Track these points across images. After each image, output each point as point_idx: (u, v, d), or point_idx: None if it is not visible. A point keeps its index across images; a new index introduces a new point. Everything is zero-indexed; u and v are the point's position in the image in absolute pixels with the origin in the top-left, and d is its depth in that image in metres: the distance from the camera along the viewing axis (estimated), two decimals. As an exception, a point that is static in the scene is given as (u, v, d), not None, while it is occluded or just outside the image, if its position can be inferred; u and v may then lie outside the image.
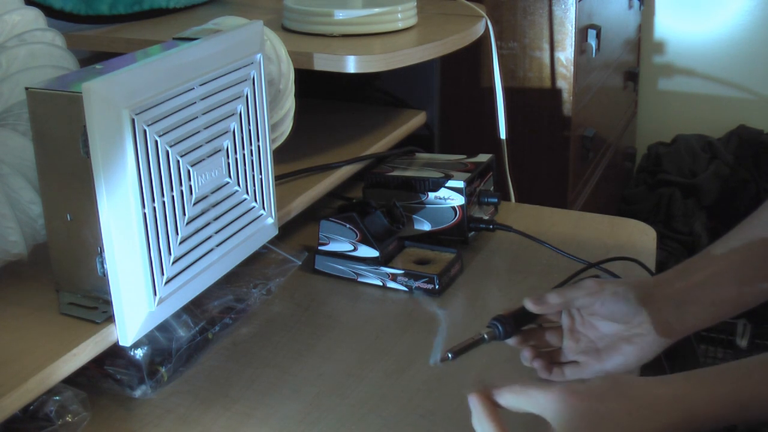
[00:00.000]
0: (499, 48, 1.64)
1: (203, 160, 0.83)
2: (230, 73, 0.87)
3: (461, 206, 1.11)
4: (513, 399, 0.67)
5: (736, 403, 0.65)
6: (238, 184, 0.90)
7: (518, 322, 0.82)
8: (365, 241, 1.05)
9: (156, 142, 0.76)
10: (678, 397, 0.65)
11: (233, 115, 0.88)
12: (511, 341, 0.83)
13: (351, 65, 1.10)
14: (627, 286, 0.80)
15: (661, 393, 0.65)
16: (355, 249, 1.05)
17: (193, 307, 0.90)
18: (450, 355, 0.76)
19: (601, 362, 0.81)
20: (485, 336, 0.79)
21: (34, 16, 0.92)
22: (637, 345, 0.79)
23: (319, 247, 1.08)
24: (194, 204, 0.83)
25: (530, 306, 0.81)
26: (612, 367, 0.80)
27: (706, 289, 0.78)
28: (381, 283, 1.05)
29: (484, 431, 0.67)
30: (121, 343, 0.79)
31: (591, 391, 0.65)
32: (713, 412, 0.65)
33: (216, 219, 0.87)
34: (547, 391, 0.66)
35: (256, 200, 0.94)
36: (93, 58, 1.19)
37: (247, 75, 0.89)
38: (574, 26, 1.62)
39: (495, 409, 0.67)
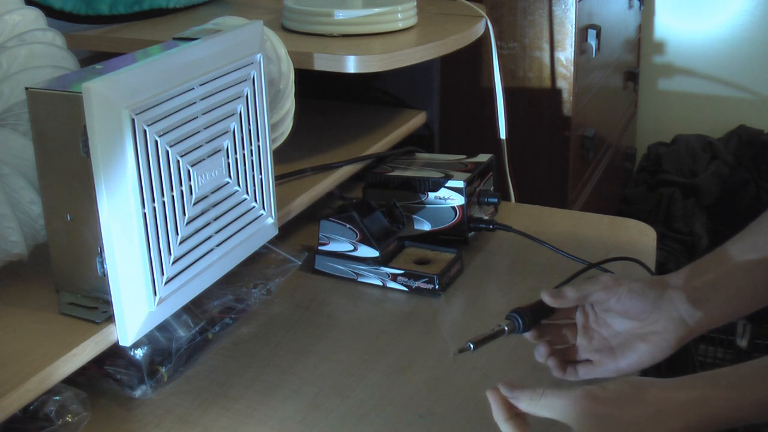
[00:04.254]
0: (499, 48, 1.64)
1: (203, 160, 0.83)
2: (230, 73, 0.86)
3: (461, 206, 1.11)
4: (531, 405, 0.68)
5: (758, 404, 0.65)
6: (238, 184, 0.90)
7: (535, 316, 0.82)
8: (365, 241, 1.05)
9: (156, 142, 0.76)
10: (700, 401, 0.65)
11: (233, 115, 0.88)
12: (528, 335, 0.83)
13: (351, 65, 1.10)
14: (643, 283, 0.80)
15: (682, 397, 0.66)
16: (355, 249, 1.05)
17: (193, 307, 0.90)
18: (471, 346, 0.76)
19: (615, 361, 0.81)
20: (505, 328, 0.79)
21: (34, 16, 0.92)
22: (651, 343, 0.79)
23: (319, 247, 1.08)
24: (194, 204, 0.83)
25: (547, 299, 0.81)
26: (626, 365, 0.80)
27: (719, 287, 0.78)
28: (381, 283, 1.05)
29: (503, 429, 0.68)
30: (121, 343, 0.79)
31: (610, 396, 0.66)
32: (734, 414, 0.65)
33: (216, 219, 0.87)
34: (564, 396, 0.66)
35: (256, 200, 0.94)
36: (93, 58, 1.19)
37: (247, 75, 0.89)
38: (574, 26, 1.62)
39: (512, 410, 0.68)
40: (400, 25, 1.22)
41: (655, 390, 0.66)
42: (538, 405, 0.67)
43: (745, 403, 0.65)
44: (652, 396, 0.66)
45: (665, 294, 0.79)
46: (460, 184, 1.10)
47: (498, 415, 0.68)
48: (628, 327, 0.80)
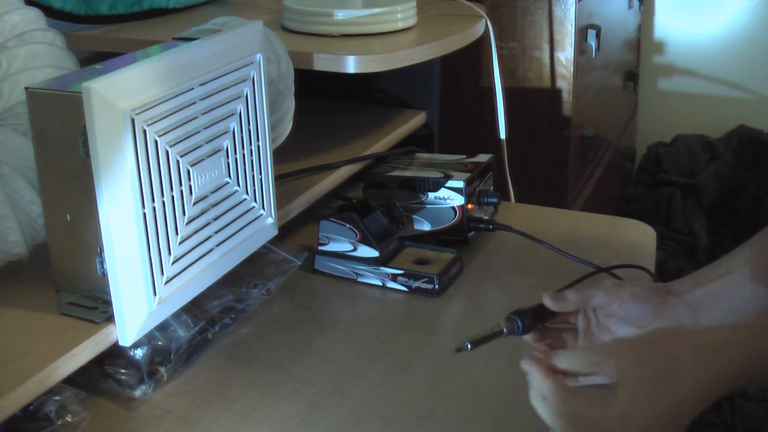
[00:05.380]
0: (499, 48, 1.64)
1: (203, 160, 0.83)
2: (230, 73, 0.87)
3: (461, 206, 1.11)
4: (571, 358, 0.67)
5: None
6: (238, 184, 0.90)
7: (535, 319, 0.81)
8: (365, 241, 1.05)
9: (156, 142, 0.76)
10: (741, 340, 0.65)
11: (233, 115, 0.88)
12: (528, 338, 0.82)
13: (351, 65, 1.10)
14: (645, 288, 0.79)
15: (723, 337, 0.66)
16: (355, 249, 1.06)
17: (193, 307, 0.90)
18: (468, 345, 0.76)
19: None
20: (504, 329, 0.79)
21: (34, 16, 0.92)
22: None
23: (319, 247, 1.08)
24: (194, 204, 0.83)
25: (549, 302, 0.81)
26: None
27: (723, 296, 0.78)
28: (381, 283, 1.05)
29: (543, 389, 0.66)
30: (120, 343, 0.79)
31: (652, 336, 0.66)
32: None
33: (216, 219, 0.87)
34: (606, 343, 0.65)
35: (256, 200, 0.94)
36: (93, 58, 1.19)
37: (246, 75, 0.89)
38: (574, 26, 1.62)
39: (552, 371, 0.67)
40: (400, 25, 1.22)
41: (700, 331, 0.67)
42: (579, 356, 0.67)
43: None
44: (697, 337, 0.66)
45: (667, 301, 0.79)
46: (460, 184, 1.10)
47: (539, 378, 0.67)
48: (629, 333, 0.80)
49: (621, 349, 0.65)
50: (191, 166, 0.82)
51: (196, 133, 0.82)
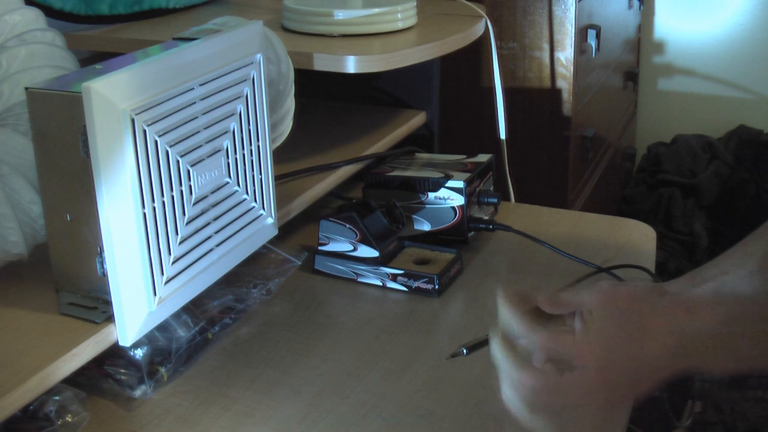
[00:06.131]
0: (499, 48, 1.64)
1: (203, 160, 0.83)
2: (230, 73, 0.87)
3: (461, 206, 1.11)
4: (551, 299, 0.70)
5: None
6: (238, 184, 0.90)
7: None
8: (365, 241, 1.05)
9: (156, 142, 0.76)
10: (714, 301, 0.67)
11: (233, 115, 0.88)
12: None
13: (351, 65, 1.10)
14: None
15: (700, 292, 0.68)
16: (355, 249, 1.06)
17: (193, 307, 0.90)
18: (464, 351, 0.76)
19: None
20: None
21: (34, 16, 0.92)
22: None
23: (319, 247, 1.08)
24: (194, 204, 0.83)
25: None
26: None
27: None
28: (381, 283, 1.05)
29: (511, 320, 0.69)
30: (120, 344, 0.79)
31: (634, 290, 0.68)
32: (755, 313, 0.65)
33: (216, 219, 0.87)
34: (587, 286, 0.68)
35: (256, 200, 0.94)
36: (93, 58, 1.19)
37: (246, 75, 0.89)
38: (573, 26, 1.62)
39: (530, 304, 0.69)
40: (400, 25, 1.22)
41: (676, 284, 0.70)
42: (558, 297, 0.69)
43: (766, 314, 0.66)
44: (674, 289, 0.69)
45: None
46: (460, 184, 1.10)
47: (513, 311, 0.69)
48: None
49: (606, 294, 0.67)
50: (191, 166, 0.82)
51: (196, 133, 0.82)
